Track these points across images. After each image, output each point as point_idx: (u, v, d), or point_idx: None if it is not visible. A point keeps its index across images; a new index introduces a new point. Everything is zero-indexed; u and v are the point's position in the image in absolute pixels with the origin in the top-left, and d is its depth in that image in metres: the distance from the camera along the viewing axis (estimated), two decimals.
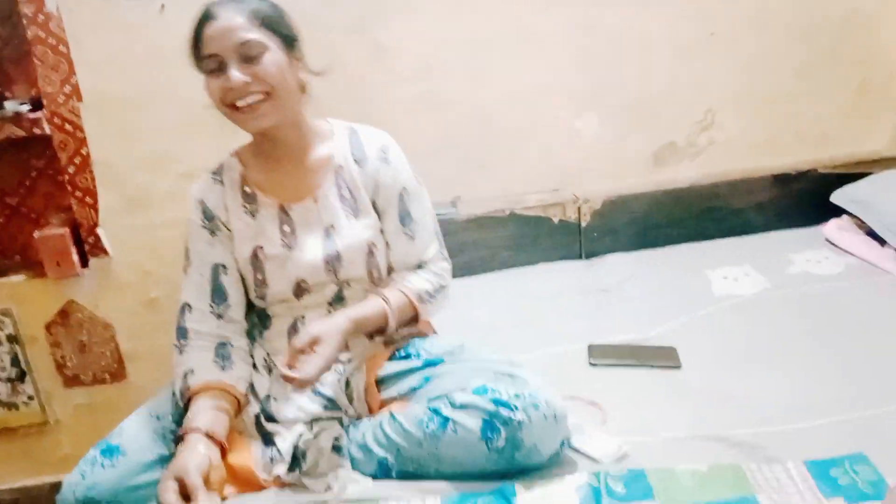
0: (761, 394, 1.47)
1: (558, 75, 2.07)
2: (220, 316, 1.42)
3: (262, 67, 1.32)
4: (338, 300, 1.46)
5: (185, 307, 1.42)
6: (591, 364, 1.63)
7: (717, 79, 2.13)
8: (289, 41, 1.37)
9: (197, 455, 1.21)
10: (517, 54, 2.04)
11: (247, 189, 1.45)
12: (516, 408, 1.22)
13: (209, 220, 1.44)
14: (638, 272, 2.00)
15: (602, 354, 1.65)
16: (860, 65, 2.19)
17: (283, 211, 1.44)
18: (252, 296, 1.46)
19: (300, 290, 1.44)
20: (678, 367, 1.59)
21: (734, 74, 2.13)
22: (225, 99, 1.33)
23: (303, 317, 1.44)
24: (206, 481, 1.18)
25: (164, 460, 1.28)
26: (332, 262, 1.42)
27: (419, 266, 1.49)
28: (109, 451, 1.29)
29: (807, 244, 2.05)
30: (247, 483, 1.30)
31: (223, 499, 1.26)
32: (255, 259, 1.43)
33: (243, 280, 1.46)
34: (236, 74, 1.31)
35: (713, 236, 2.15)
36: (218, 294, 1.43)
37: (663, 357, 1.62)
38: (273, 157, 1.45)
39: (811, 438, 1.33)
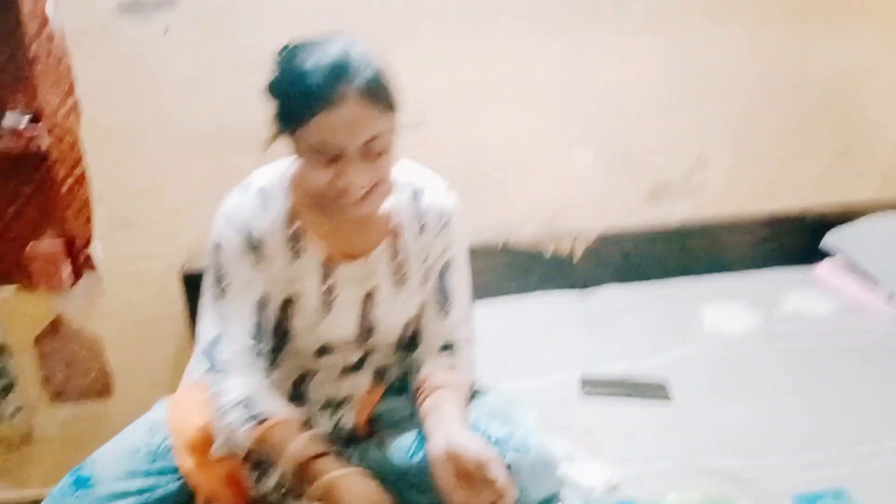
0: (750, 427, 1.48)
1: (552, 117, 2.09)
2: (258, 354, 1.25)
3: (385, 163, 1.16)
4: (357, 365, 1.37)
5: (219, 339, 1.23)
6: (584, 394, 1.63)
7: (708, 128, 2.17)
8: (396, 112, 1.18)
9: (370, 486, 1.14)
10: (512, 95, 2.06)
11: (296, 227, 1.27)
12: (506, 448, 1.20)
13: (253, 246, 1.24)
14: (631, 305, 2.01)
15: (594, 385, 1.65)
16: (844, 125, 2.23)
17: (328, 265, 1.29)
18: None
19: (322, 351, 1.34)
20: (669, 399, 1.59)
21: (725, 126, 2.17)
22: (331, 192, 1.16)
23: (315, 373, 1.36)
24: None
25: (132, 494, 1.24)
26: (366, 333, 1.33)
27: (447, 346, 1.36)
28: (79, 482, 1.26)
29: (799, 284, 2.07)
30: (237, 490, 1.28)
31: None
32: (286, 309, 1.29)
33: None
34: (359, 177, 1.14)
35: (707, 272, 2.15)
36: (259, 331, 1.25)
37: (654, 389, 1.62)
38: None
39: (798, 472, 1.34)
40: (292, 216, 1.26)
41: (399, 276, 1.32)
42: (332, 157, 1.13)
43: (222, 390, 1.21)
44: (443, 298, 1.35)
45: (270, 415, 1.18)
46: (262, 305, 1.25)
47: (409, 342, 1.39)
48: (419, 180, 1.34)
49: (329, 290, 1.29)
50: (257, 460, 1.26)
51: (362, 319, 1.32)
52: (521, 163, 2.12)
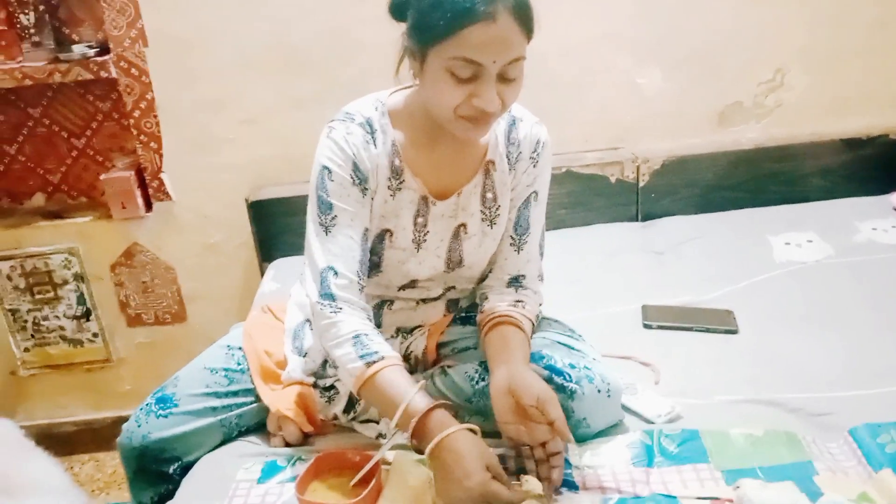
0: (818, 360, 1.45)
1: (619, 25, 2.01)
2: (362, 289, 1.24)
3: (514, 91, 1.14)
4: (435, 297, 1.40)
5: (329, 271, 1.21)
6: (645, 325, 1.62)
7: (786, 32, 2.05)
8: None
9: (477, 443, 1.10)
10: (576, 1, 1.98)
11: (397, 163, 1.26)
12: (570, 377, 1.22)
13: (361, 179, 1.23)
14: (696, 235, 1.97)
15: (656, 316, 1.63)
16: None
17: (424, 201, 1.29)
18: None
19: (407, 284, 1.36)
20: (735, 331, 1.57)
21: (805, 28, 2.05)
22: (460, 110, 1.14)
23: (391, 302, 1.38)
24: None
25: (211, 411, 1.33)
26: (453, 268, 1.34)
27: (515, 279, 1.35)
28: (163, 401, 1.33)
29: (874, 212, 1.99)
30: (309, 418, 1.33)
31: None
32: (380, 241, 1.30)
33: None
34: (494, 99, 1.12)
35: (777, 202, 2.09)
36: (364, 264, 1.25)
37: (719, 320, 1.59)
38: (433, 136, 1.25)
39: (866, 406, 1.31)
40: (396, 154, 1.26)
41: (489, 212, 1.32)
42: (469, 77, 1.10)
43: (334, 322, 1.19)
44: (519, 231, 1.34)
45: (380, 357, 1.16)
46: (364, 240, 1.25)
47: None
48: (514, 110, 1.31)
49: (422, 227, 1.30)
50: (355, 397, 1.28)
51: (451, 254, 1.32)
52: (585, 74, 2.05)
